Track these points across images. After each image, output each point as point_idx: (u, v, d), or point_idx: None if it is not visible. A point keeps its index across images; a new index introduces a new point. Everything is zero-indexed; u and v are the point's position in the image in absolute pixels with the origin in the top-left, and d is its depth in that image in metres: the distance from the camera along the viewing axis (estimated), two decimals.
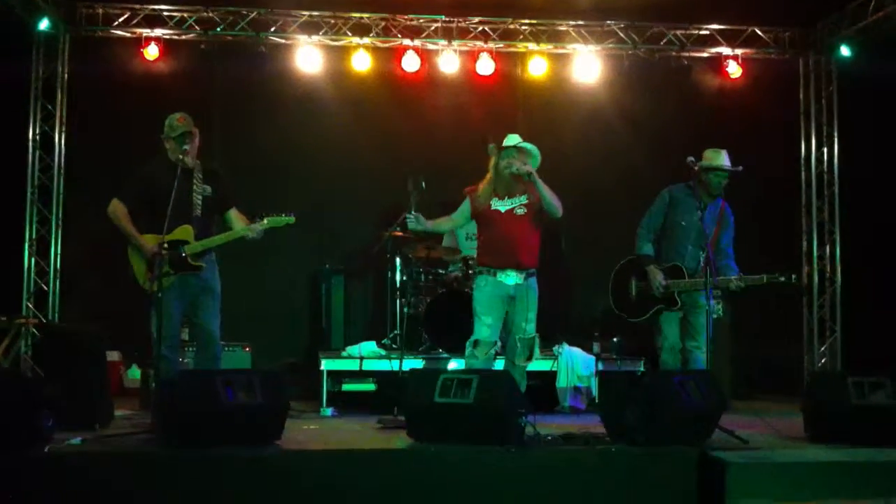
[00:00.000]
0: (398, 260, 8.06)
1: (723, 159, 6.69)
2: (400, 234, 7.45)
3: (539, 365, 7.65)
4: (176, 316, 6.06)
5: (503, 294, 6.20)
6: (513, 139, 6.33)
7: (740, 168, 6.71)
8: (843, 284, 9.37)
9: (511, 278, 6.20)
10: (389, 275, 7.88)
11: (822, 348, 9.34)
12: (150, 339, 5.93)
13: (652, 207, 6.84)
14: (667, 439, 5.28)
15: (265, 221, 6.12)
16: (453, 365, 6.71)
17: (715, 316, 6.78)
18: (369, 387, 7.85)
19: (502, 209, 6.27)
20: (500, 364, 6.66)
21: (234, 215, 6.25)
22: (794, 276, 6.40)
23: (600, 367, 7.80)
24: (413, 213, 6.31)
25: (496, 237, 6.28)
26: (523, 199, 6.26)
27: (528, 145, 6.33)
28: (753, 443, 5.54)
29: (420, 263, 8.36)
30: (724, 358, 7.93)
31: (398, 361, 6.89)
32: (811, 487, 5.00)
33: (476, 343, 6.21)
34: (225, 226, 6.23)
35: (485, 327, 6.20)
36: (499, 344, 6.39)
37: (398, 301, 8.02)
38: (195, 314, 6.16)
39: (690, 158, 6.46)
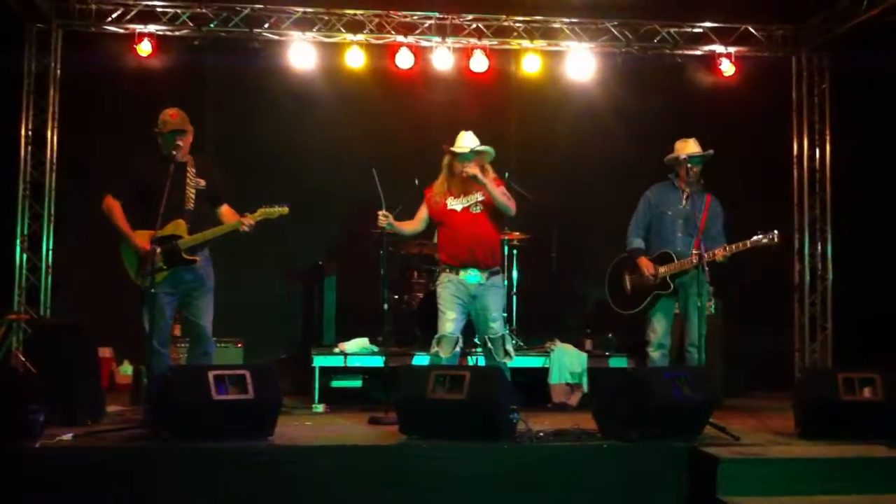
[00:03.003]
0: (391, 256, 8.05)
1: (691, 147, 6.81)
2: (388, 230, 7.46)
3: (531, 361, 7.69)
4: (168, 312, 6.08)
5: (465, 292, 6.25)
6: (466, 137, 6.37)
7: (711, 152, 6.79)
8: (835, 282, 9.39)
9: (473, 277, 6.24)
10: (382, 271, 7.87)
11: (814, 345, 9.36)
12: (143, 334, 5.93)
13: (637, 209, 7.00)
14: (658, 435, 5.31)
15: (258, 212, 6.14)
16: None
17: (707, 313, 6.82)
18: (358, 383, 7.86)
19: (458, 208, 6.33)
20: (481, 362, 6.71)
21: (226, 211, 6.26)
22: (775, 235, 6.45)
23: (592, 363, 7.81)
24: (384, 211, 6.33)
25: (453, 236, 6.33)
26: (479, 197, 6.31)
27: (484, 147, 6.37)
28: (744, 439, 5.57)
29: (413, 259, 8.38)
30: (716, 354, 7.94)
31: (385, 357, 6.93)
32: (802, 483, 5.02)
33: (440, 340, 6.23)
34: (217, 220, 6.23)
35: (448, 322, 6.23)
36: (461, 341, 6.38)
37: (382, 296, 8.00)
38: (188, 310, 6.16)
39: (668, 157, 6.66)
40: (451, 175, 6.35)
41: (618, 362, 7.89)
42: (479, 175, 6.18)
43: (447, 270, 6.32)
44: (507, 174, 7.23)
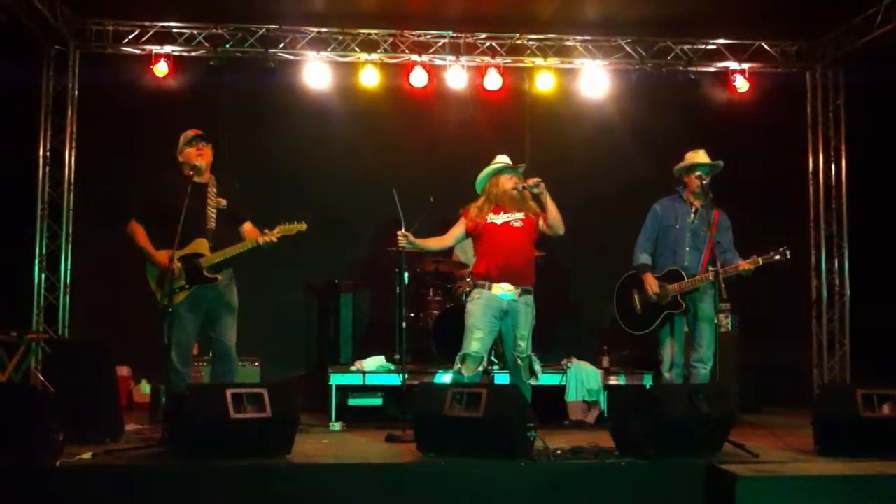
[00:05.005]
0: (406, 274, 8.06)
1: (700, 157, 6.78)
2: (409, 249, 7.47)
3: (548, 379, 7.67)
4: (189, 330, 6.10)
5: (497, 308, 6.19)
6: (504, 160, 6.42)
7: (720, 163, 6.77)
8: (853, 297, 9.35)
9: (506, 294, 6.20)
10: (398, 289, 7.91)
11: (832, 361, 9.32)
12: (162, 352, 5.95)
13: (645, 223, 6.95)
14: (676, 452, 5.28)
15: (276, 229, 6.17)
16: (447, 378, 6.73)
17: (723, 329, 6.77)
18: (376, 401, 7.85)
19: (499, 222, 6.30)
20: (501, 378, 6.67)
21: (249, 229, 6.29)
22: (787, 252, 6.43)
23: (609, 381, 7.79)
24: (403, 231, 6.35)
25: (492, 247, 6.29)
26: (520, 215, 6.31)
27: (522, 165, 6.46)
28: (763, 456, 5.53)
29: (429, 277, 8.39)
30: (733, 370, 7.91)
31: (403, 375, 6.93)
32: (821, 501, 4.98)
33: (465, 358, 6.17)
34: (240, 239, 6.27)
35: (475, 341, 6.16)
36: (485, 362, 6.35)
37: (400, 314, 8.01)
38: (211, 328, 6.19)
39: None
40: (505, 194, 6.31)
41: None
42: (544, 188, 6.17)
43: (480, 286, 6.28)
44: None
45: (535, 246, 6.64)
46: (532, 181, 6.19)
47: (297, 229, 6.21)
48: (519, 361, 6.22)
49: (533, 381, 6.27)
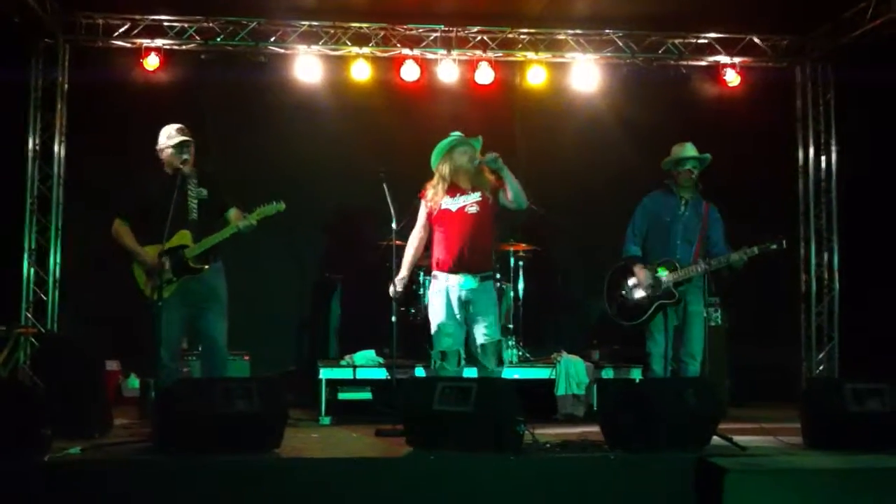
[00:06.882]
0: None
1: (686, 150, 6.78)
2: (399, 242, 7.46)
3: (538, 373, 7.68)
4: (177, 324, 6.09)
5: (458, 300, 6.16)
6: (458, 135, 6.33)
7: (707, 156, 6.77)
8: (842, 292, 9.37)
9: (465, 283, 6.15)
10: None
11: (821, 355, 9.34)
12: (150, 347, 5.94)
13: (633, 217, 6.94)
14: (664, 446, 5.29)
15: (255, 212, 6.16)
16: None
17: (712, 324, 6.77)
18: (366, 395, 7.85)
19: (453, 208, 6.22)
20: (471, 371, 6.58)
21: (235, 215, 6.27)
22: (783, 242, 6.41)
23: (599, 374, 7.80)
24: (394, 290, 6.39)
25: (446, 237, 6.22)
26: (476, 197, 6.21)
27: (479, 138, 6.32)
28: (751, 449, 5.54)
29: (419, 271, 8.37)
30: (722, 364, 7.93)
31: (393, 369, 6.92)
32: (809, 494, 4.99)
33: (444, 355, 6.15)
34: (224, 226, 6.26)
35: (446, 337, 6.15)
36: (463, 353, 6.31)
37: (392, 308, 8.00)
38: (199, 321, 6.19)
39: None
40: (459, 169, 6.23)
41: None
42: (500, 159, 6.06)
43: (437, 277, 6.24)
44: None
45: (522, 238, 6.63)
46: (489, 155, 6.10)
47: (275, 210, 6.20)
48: (483, 350, 6.16)
49: (501, 369, 6.23)
